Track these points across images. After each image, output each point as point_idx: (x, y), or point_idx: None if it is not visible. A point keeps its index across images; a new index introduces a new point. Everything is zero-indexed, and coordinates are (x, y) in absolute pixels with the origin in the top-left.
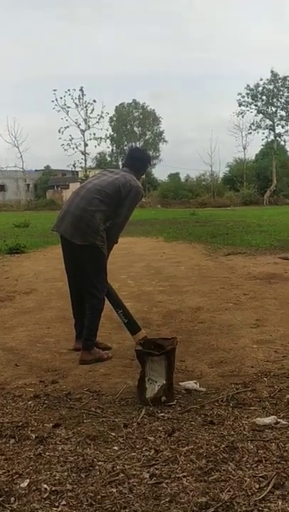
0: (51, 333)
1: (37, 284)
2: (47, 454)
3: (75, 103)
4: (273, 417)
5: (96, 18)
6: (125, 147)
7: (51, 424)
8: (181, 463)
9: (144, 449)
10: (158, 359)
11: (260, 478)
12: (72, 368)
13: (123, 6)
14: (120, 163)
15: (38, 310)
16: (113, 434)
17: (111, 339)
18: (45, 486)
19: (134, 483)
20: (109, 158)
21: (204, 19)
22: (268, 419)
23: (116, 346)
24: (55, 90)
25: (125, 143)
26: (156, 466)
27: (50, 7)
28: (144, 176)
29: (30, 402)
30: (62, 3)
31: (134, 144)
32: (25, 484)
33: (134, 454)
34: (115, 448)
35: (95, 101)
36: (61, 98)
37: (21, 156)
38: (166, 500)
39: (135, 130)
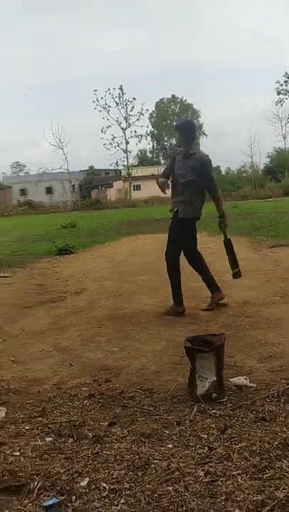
0: (102, 332)
1: (86, 283)
2: (104, 452)
3: (116, 102)
4: None
5: (131, 20)
6: (165, 143)
7: (107, 423)
8: (234, 460)
9: (197, 446)
10: (207, 356)
11: None
12: (124, 367)
13: (154, 5)
14: (161, 158)
15: (89, 309)
16: (167, 431)
17: (160, 336)
18: (104, 484)
19: (190, 482)
20: (150, 155)
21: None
22: None
23: (165, 343)
24: (95, 91)
25: (165, 138)
26: (210, 464)
27: (87, 12)
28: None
29: (85, 401)
30: (99, 8)
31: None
32: (85, 483)
33: (188, 451)
34: (169, 446)
35: (134, 98)
36: (102, 98)
37: (66, 158)
38: (222, 498)
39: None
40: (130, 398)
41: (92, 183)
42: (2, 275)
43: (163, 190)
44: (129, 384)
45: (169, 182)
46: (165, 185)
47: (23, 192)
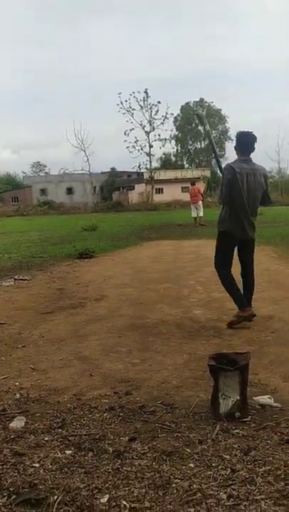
0: (123, 342)
1: (107, 290)
2: (124, 468)
3: (140, 105)
4: None
5: (162, 21)
6: (190, 147)
7: (127, 438)
8: (258, 484)
9: (220, 467)
10: (231, 375)
11: None
12: (145, 380)
13: (191, 7)
14: (185, 162)
15: (109, 317)
16: (188, 450)
17: (182, 349)
18: (125, 502)
19: (212, 504)
20: (174, 159)
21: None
22: None
23: (187, 357)
24: (120, 93)
25: (190, 142)
26: (233, 487)
27: (118, 15)
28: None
29: (105, 414)
30: (129, 10)
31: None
32: (105, 500)
33: (210, 472)
34: (191, 465)
35: (159, 102)
36: (126, 101)
37: (88, 160)
38: None
39: (200, 129)
40: (151, 413)
41: (113, 185)
42: (21, 278)
43: None
44: (150, 398)
45: None
46: None
47: (43, 192)
